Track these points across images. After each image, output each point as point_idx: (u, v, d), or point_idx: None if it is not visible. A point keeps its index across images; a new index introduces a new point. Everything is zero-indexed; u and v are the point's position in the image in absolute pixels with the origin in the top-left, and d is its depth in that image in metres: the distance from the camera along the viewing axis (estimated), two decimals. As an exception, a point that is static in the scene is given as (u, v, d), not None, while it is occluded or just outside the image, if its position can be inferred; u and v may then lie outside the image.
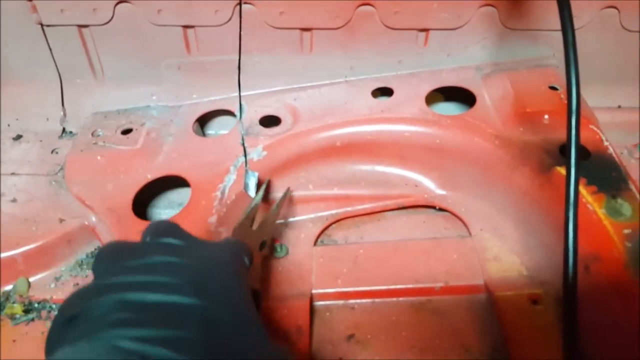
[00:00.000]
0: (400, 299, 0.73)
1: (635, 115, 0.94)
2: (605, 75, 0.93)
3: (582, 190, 0.67)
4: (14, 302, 0.72)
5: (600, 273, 0.61)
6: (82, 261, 0.78)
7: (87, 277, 0.76)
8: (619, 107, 0.96)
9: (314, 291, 0.73)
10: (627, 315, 0.57)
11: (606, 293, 0.60)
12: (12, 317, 0.71)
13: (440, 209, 0.83)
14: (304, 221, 0.83)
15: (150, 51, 0.90)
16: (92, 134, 0.87)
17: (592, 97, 0.91)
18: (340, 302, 0.73)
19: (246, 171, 0.79)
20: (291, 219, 0.84)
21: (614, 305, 0.59)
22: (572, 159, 0.57)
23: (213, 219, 0.73)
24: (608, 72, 0.93)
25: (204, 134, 0.98)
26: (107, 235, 0.76)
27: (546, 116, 0.77)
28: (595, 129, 0.75)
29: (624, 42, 0.88)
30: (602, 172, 0.69)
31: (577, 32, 0.85)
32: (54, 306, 0.72)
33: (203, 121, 0.98)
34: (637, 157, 0.91)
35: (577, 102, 0.56)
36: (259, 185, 0.79)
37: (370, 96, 0.89)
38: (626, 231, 0.61)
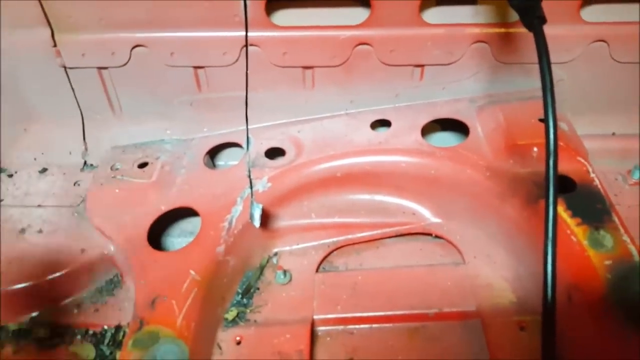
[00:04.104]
0: (397, 324, 0.77)
1: (629, 142, 0.97)
2: (598, 104, 0.96)
3: (568, 221, 0.71)
4: (41, 327, 0.79)
5: (581, 303, 0.64)
6: (101, 288, 0.84)
7: (106, 303, 0.82)
8: (613, 134, 0.99)
9: (315, 317, 0.77)
10: (604, 345, 0.60)
11: (586, 323, 0.63)
12: (39, 340, 0.77)
13: (436, 237, 0.87)
14: (307, 248, 0.88)
15: (164, 89, 0.97)
16: (111, 168, 0.93)
17: (586, 125, 0.94)
18: (340, 327, 0.77)
19: (252, 202, 0.84)
20: (295, 246, 0.89)
21: (593, 334, 0.62)
22: (551, 199, 0.60)
23: (221, 248, 0.79)
24: (601, 101, 0.96)
25: (214, 165, 1.04)
26: (125, 264, 0.82)
27: (535, 149, 0.81)
28: (582, 160, 0.78)
29: (615, 72, 0.92)
30: (587, 204, 0.72)
31: (569, 65, 0.91)
32: (76, 331, 0.79)
33: (214, 152, 1.04)
34: (631, 184, 0.94)
35: (555, 146, 0.60)
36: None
37: (369, 128, 0.94)
38: (607, 262, 0.65)
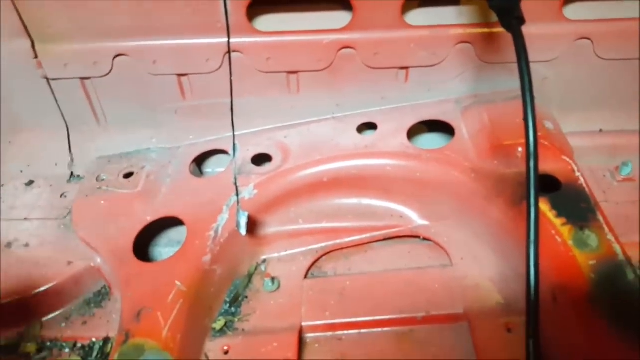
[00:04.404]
0: (385, 329, 0.77)
1: (617, 139, 0.96)
2: (584, 101, 0.96)
3: (553, 220, 0.70)
4: (28, 342, 0.78)
5: (566, 303, 0.64)
6: (89, 300, 0.84)
7: (94, 315, 0.82)
8: (600, 130, 0.98)
9: (303, 324, 0.77)
10: (589, 345, 0.60)
11: (571, 322, 0.63)
12: (27, 355, 0.77)
13: (424, 239, 0.87)
14: (296, 254, 0.88)
15: (148, 98, 0.96)
16: (97, 179, 0.93)
17: (573, 122, 0.94)
18: (329, 333, 0.77)
19: (238, 210, 0.84)
20: (283, 253, 0.89)
21: (578, 334, 0.62)
22: (532, 201, 0.60)
23: (207, 257, 0.78)
24: (587, 98, 0.96)
25: (201, 172, 1.04)
26: (112, 275, 0.82)
27: (520, 149, 0.80)
28: (567, 159, 0.78)
29: (600, 70, 0.91)
30: (572, 204, 0.72)
31: (553, 63, 0.91)
32: (64, 344, 0.78)
33: (201, 160, 1.03)
34: (620, 180, 0.94)
35: (535, 148, 0.60)
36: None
37: (356, 131, 0.93)
38: (591, 262, 0.65)
